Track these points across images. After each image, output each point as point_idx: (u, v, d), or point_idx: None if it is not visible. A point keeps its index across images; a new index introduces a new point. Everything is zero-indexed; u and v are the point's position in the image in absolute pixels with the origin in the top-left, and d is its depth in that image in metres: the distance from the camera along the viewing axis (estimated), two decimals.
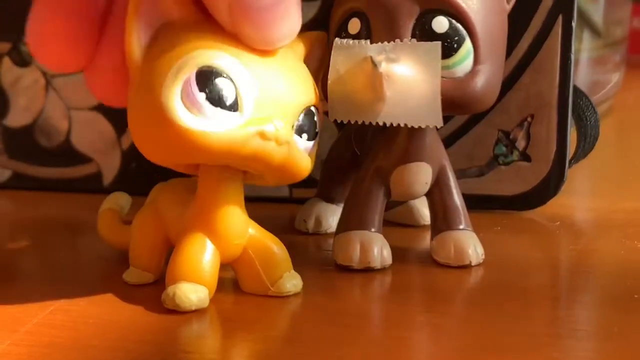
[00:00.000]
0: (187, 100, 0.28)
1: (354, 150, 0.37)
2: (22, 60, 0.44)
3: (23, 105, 0.44)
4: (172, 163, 0.30)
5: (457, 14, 0.31)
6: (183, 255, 0.30)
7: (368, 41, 0.31)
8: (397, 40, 0.31)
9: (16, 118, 0.44)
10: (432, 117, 0.30)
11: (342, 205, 0.36)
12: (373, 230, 0.34)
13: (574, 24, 0.39)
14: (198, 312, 0.30)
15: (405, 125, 0.31)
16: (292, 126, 0.29)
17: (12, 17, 0.40)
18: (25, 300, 0.31)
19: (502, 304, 0.31)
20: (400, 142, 0.33)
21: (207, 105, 0.28)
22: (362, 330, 0.29)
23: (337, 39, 0.31)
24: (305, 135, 0.30)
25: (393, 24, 0.31)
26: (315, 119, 0.30)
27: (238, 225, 0.31)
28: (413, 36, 0.31)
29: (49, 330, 0.29)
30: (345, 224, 0.34)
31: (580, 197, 0.44)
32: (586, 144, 0.40)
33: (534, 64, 0.39)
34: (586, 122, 0.40)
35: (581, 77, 0.55)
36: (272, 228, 0.32)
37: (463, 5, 0.32)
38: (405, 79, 0.30)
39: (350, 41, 0.31)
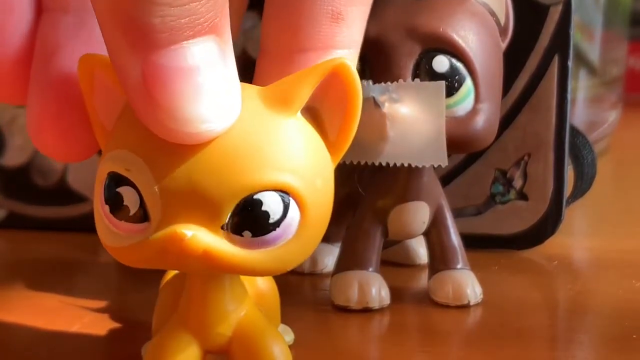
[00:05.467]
0: (104, 212, 0.24)
1: (349, 189, 0.36)
2: None
3: (19, 144, 0.44)
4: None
5: (457, 53, 0.31)
6: (155, 340, 0.27)
7: (370, 82, 0.31)
8: (400, 80, 0.31)
9: (12, 157, 0.44)
10: (437, 156, 0.30)
11: (338, 244, 0.35)
12: (371, 270, 0.33)
13: (570, 64, 0.39)
14: None
15: (409, 165, 0.31)
16: (222, 225, 0.23)
17: None
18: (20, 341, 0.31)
19: (500, 344, 0.31)
20: (398, 181, 0.33)
21: (113, 219, 0.23)
22: None
23: None
24: (247, 233, 0.23)
25: (393, 64, 0.31)
26: (264, 208, 0.23)
27: (220, 313, 0.26)
28: (414, 76, 0.31)
29: None
30: (343, 264, 0.34)
31: (578, 236, 0.44)
32: (583, 183, 0.40)
33: (531, 103, 0.39)
34: (583, 161, 0.40)
35: (578, 115, 0.55)
36: None
37: (463, 44, 0.32)
38: (408, 119, 0.30)
39: None
